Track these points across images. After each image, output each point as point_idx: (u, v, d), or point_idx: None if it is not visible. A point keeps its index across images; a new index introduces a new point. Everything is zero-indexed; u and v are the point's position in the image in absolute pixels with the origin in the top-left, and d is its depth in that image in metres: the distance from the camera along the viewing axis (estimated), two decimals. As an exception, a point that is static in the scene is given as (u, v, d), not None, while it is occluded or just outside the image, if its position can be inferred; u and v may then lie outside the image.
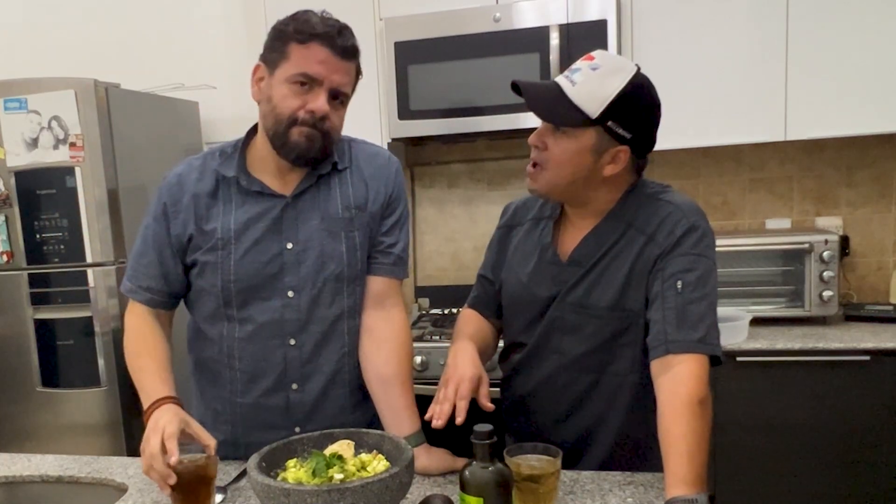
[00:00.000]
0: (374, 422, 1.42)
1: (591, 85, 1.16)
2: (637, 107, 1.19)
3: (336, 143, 1.35)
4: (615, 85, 1.16)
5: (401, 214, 1.43)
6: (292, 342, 1.35)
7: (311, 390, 1.37)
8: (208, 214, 1.33)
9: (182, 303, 1.44)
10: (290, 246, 1.33)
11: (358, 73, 1.33)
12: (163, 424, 1.16)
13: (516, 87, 1.22)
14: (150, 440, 1.14)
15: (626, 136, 1.19)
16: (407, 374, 1.39)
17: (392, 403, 1.37)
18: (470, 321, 1.44)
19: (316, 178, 1.35)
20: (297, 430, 1.37)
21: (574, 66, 1.20)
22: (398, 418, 1.35)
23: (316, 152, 1.30)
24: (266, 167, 1.35)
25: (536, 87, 1.23)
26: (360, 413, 1.44)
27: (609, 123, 1.17)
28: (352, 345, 1.40)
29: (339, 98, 1.29)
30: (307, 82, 1.25)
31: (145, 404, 1.26)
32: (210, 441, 1.19)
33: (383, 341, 1.39)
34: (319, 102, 1.26)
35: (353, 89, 1.34)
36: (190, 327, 1.45)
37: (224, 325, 1.37)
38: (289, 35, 1.25)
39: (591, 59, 1.19)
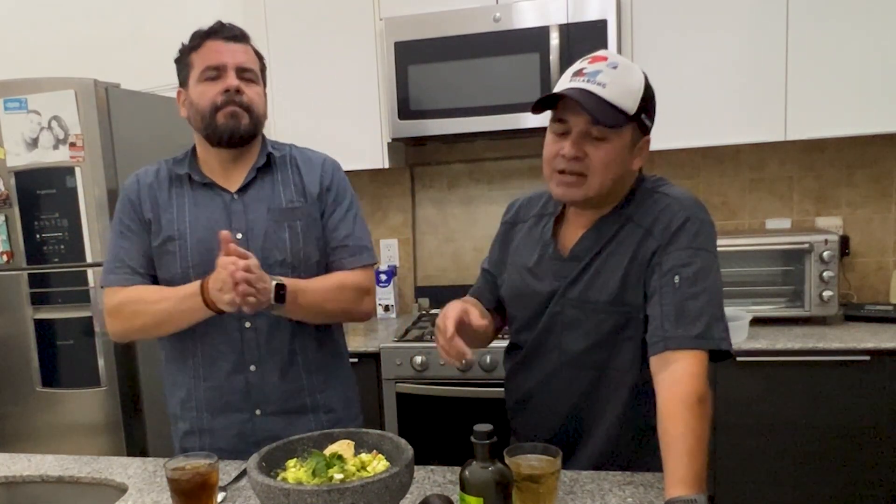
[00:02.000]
0: (334, 408, 1.53)
1: (621, 83, 1.17)
2: (653, 95, 1.23)
3: (262, 120, 1.47)
4: (638, 77, 1.19)
5: (347, 207, 1.53)
6: (248, 325, 1.44)
7: (268, 371, 1.46)
8: (165, 207, 1.46)
9: None
10: (239, 235, 1.44)
11: (259, 56, 1.49)
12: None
13: (546, 101, 1.19)
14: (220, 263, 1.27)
15: (649, 126, 1.22)
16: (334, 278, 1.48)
17: None
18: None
19: (256, 171, 1.48)
20: (258, 412, 1.46)
21: (589, 70, 1.18)
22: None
23: (245, 128, 1.43)
24: (211, 169, 1.49)
25: (575, 92, 1.17)
26: (321, 397, 1.51)
27: (642, 116, 1.19)
28: (302, 328, 1.48)
29: (247, 76, 1.43)
30: (214, 73, 1.40)
31: (197, 289, 1.33)
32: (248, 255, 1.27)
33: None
34: (229, 80, 1.41)
35: (263, 73, 1.49)
36: None
37: None
38: (185, 50, 1.45)
39: (605, 58, 1.19)
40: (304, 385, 1.49)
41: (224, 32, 1.42)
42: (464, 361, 1.20)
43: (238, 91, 1.40)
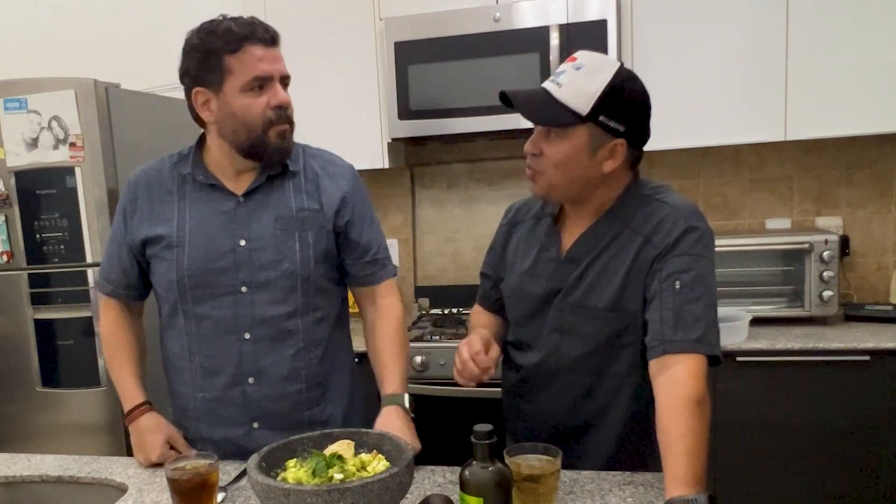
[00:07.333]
0: (331, 420, 1.48)
1: (578, 83, 1.17)
2: (626, 99, 1.19)
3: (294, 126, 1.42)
4: (601, 80, 1.17)
5: (371, 217, 1.50)
6: (247, 336, 1.40)
7: (267, 385, 1.41)
8: (164, 213, 1.41)
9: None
10: (242, 243, 1.38)
11: None
12: (149, 448, 1.40)
13: (505, 98, 1.23)
14: (151, 451, 1.41)
15: (620, 129, 1.19)
16: (395, 345, 1.47)
17: (379, 362, 1.46)
18: (480, 315, 1.52)
19: (266, 177, 1.40)
20: (256, 425, 1.43)
21: (559, 69, 1.21)
22: (383, 376, 1.44)
23: (291, 145, 1.40)
24: (221, 170, 1.41)
25: (525, 93, 1.24)
26: (318, 410, 1.47)
27: (601, 118, 1.18)
28: (307, 341, 1.43)
29: (286, 82, 1.37)
30: (261, 83, 1.31)
31: (125, 408, 1.47)
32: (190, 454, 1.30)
33: (376, 324, 1.50)
34: (281, 95, 1.34)
35: None
36: (158, 325, 1.51)
37: (182, 320, 1.42)
38: (219, 50, 1.30)
39: (574, 59, 1.20)
40: (304, 399, 1.44)
41: (262, 35, 1.31)
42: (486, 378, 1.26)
43: (288, 106, 1.36)
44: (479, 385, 1.29)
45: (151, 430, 1.42)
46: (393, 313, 1.50)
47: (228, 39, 1.29)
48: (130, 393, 1.47)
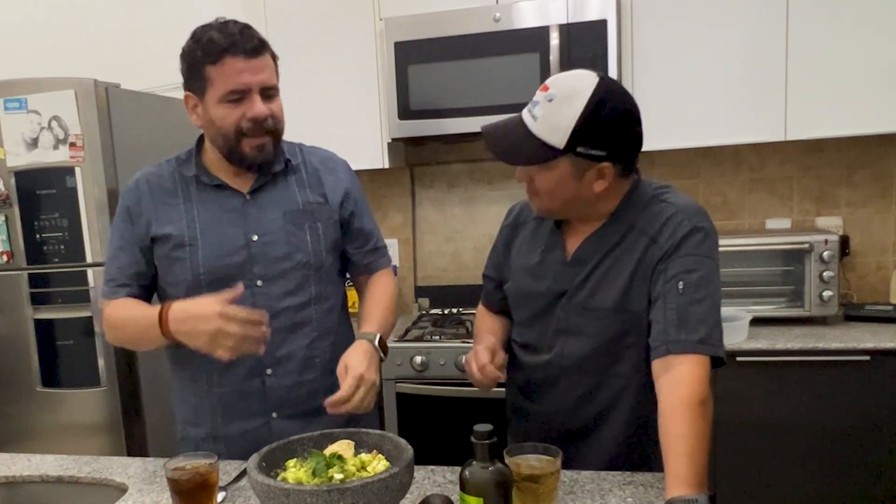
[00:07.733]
0: None
1: (550, 117, 1.16)
2: (602, 125, 1.15)
3: (282, 133, 1.42)
4: (573, 112, 1.14)
5: (368, 208, 1.57)
6: (264, 328, 1.37)
7: (284, 374, 1.44)
8: (170, 215, 1.41)
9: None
10: (255, 237, 1.41)
11: (274, 59, 1.39)
12: (207, 306, 1.22)
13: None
14: (208, 309, 1.22)
15: (602, 154, 1.17)
16: (382, 304, 1.51)
17: (364, 313, 1.50)
18: (485, 318, 1.53)
19: (271, 175, 1.45)
20: (274, 415, 1.44)
21: (534, 99, 1.20)
22: (363, 323, 1.47)
23: (270, 155, 1.40)
24: (222, 169, 1.44)
25: (501, 129, 1.23)
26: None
27: (578, 150, 1.16)
28: (320, 330, 1.47)
29: (270, 93, 1.36)
30: (237, 96, 1.32)
31: (155, 320, 1.29)
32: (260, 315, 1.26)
33: (368, 292, 1.56)
34: (257, 108, 1.33)
35: (278, 76, 1.40)
36: None
37: None
38: (199, 60, 1.32)
39: (546, 89, 1.18)
40: (319, 387, 1.45)
41: (244, 46, 1.30)
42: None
43: (266, 118, 1.35)
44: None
45: (194, 301, 1.28)
46: (386, 286, 1.57)
47: (210, 51, 1.31)
48: (152, 310, 1.33)
